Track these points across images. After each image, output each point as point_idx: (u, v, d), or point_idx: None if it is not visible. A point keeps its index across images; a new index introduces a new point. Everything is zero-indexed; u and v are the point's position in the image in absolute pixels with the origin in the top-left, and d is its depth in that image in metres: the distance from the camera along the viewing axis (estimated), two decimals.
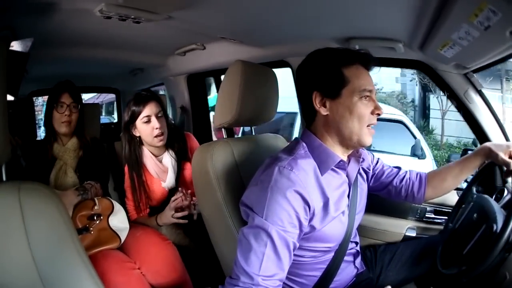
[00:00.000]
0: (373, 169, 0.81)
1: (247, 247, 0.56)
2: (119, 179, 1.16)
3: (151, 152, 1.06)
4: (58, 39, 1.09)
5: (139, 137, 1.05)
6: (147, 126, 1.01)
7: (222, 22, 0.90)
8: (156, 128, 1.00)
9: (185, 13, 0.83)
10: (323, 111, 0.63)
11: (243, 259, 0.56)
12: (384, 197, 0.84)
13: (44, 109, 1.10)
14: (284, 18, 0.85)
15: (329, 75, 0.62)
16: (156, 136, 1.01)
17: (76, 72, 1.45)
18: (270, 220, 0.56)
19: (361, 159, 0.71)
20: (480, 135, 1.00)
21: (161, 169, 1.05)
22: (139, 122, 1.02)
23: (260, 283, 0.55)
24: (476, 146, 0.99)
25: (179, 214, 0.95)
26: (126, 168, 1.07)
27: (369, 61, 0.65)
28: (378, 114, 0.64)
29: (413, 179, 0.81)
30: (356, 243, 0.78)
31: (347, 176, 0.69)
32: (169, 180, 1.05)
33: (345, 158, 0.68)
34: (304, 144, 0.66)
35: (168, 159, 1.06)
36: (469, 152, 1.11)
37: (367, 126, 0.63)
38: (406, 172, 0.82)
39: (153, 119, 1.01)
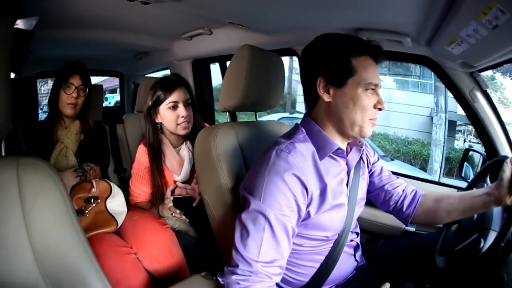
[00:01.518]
0: (372, 164, 0.79)
1: (245, 232, 0.56)
2: (119, 162, 1.15)
3: (170, 142, 1.01)
4: (63, 20, 1.08)
5: (160, 124, 0.99)
6: (173, 113, 0.95)
7: (231, 6, 0.89)
8: (182, 116, 0.95)
9: None
10: (326, 98, 0.62)
11: (241, 245, 0.55)
12: (372, 202, 0.81)
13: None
14: (294, 5, 0.84)
15: (336, 62, 0.61)
16: (179, 124, 0.95)
17: (79, 54, 1.41)
18: (267, 203, 0.56)
19: (362, 149, 0.69)
20: (483, 135, 1.02)
21: (178, 162, 1.00)
22: (163, 108, 0.95)
23: (259, 269, 0.54)
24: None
25: (178, 210, 0.93)
26: (137, 155, 1.02)
27: (379, 54, 0.63)
28: (380, 109, 0.63)
29: (407, 192, 0.77)
30: (357, 234, 0.77)
31: (347, 164, 0.68)
32: (184, 173, 1.00)
33: (343, 147, 0.67)
34: (303, 129, 0.65)
35: (186, 151, 1.01)
36: (471, 152, 1.15)
37: (370, 119, 0.62)
38: (403, 183, 0.79)
39: (181, 106, 0.95)
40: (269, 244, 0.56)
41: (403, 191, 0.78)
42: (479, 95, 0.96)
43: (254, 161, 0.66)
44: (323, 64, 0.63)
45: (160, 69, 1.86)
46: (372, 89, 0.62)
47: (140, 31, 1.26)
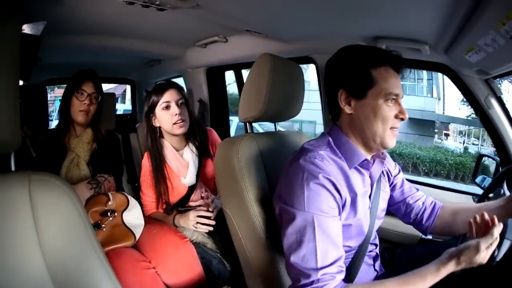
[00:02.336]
0: (394, 177, 0.79)
1: (297, 245, 0.56)
2: (133, 172, 1.13)
3: (172, 146, 1.01)
4: (72, 26, 1.06)
5: (159, 128, 1.00)
6: (167, 113, 0.97)
7: (250, 14, 0.88)
8: (176, 114, 0.96)
9: (213, 2, 0.80)
10: (347, 110, 0.63)
11: (297, 259, 0.55)
12: (393, 213, 0.81)
13: (56, 104, 1.09)
14: (312, 13, 0.83)
15: (356, 74, 0.62)
16: (175, 123, 0.96)
17: (90, 61, 1.39)
18: (313, 210, 0.56)
19: (385, 161, 0.69)
20: (497, 141, 1.03)
21: (182, 164, 1.00)
22: (158, 109, 0.98)
23: (319, 276, 0.54)
24: None
25: (203, 226, 0.91)
26: (143, 161, 1.02)
27: (399, 64, 0.63)
28: (402, 119, 0.63)
29: (427, 204, 0.78)
30: (376, 245, 0.77)
31: (370, 176, 0.68)
32: (190, 176, 1.00)
33: (369, 158, 0.67)
34: (331, 139, 0.66)
35: (189, 154, 1.02)
36: (485, 158, 1.17)
37: (390, 128, 0.62)
38: (423, 196, 0.80)
39: (173, 105, 0.97)
40: (325, 247, 0.56)
41: (423, 203, 0.79)
42: (493, 102, 0.98)
43: (283, 170, 0.65)
44: (343, 76, 0.64)
45: (172, 77, 1.83)
46: (393, 99, 0.62)
47: (153, 38, 1.24)
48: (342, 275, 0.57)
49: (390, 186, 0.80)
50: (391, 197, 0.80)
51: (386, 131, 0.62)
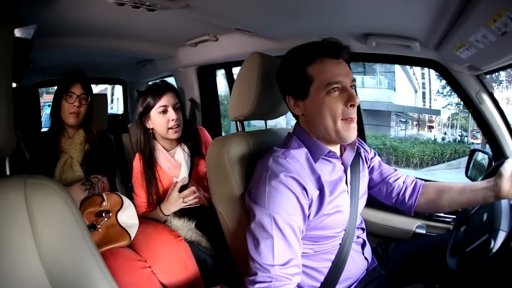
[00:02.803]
0: (370, 160, 0.81)
1: (256, 241, 0.58)
2: (126, 172, 1.13)
3: (163, 147, 1.02)
4: (64, 28, 1.05)
5: (152, 129, 1.00)
6: (163, 117, 0.96)
7: (239, 13, 0.88)
8: (173, 120, 0.96)
9: (202, 2, 0.80)
10: (298, 111, 0.66)
11: (256, 254, 0.57)
12: (375, 196, 0.82)
13: (45, 109, 1.09)
14: (302, 11, 0.84)
15: (294, 77, 0.64)
16: (170, 128, 0.97)
17: (82, 62, 1.39)
18: (272, 208, 0.58)
19: (356, 147, 0.71)
20: (490, 136, 1.04)
21: (173, 165, 1.01)
22: (154, 113, 0.97)
23: (277, 273, 0.55)
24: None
25: (186, 192, 0.91)
26: (134, 162, 1.02)
27: (335, 51, 0.62)
28: (353, 105, 0.61)
29: (407, 183, 0.79)
30: (363, 229, 0.79)
31: (343, 163, 0.71)
32: (182, 176, 1.00)
33: (336, 148, 0.69)
34: (296, 137, 0.69)
35: (181, 154, 1.02)
36: (477, 152, 1.18)
37: (342, 119, 0.61)
38: (402, 175, 0.81)
39: (170, 110, 0.96)
40: (281, 247, 0.57)
41: (403, 182, 0.80)
42: (485, 97, 0.98)
43: (254, 170, 0.67)
44: (285, 82, 0.67)
45: (163, 76, 1.83)
46: (336, 88, 0.61)
47: (144, 38, 1.23)
48: (299, 278, 0.59)
49: (368, 169, 0.81)
50: (371, 179, 0.82)
51: (337, 123, 0.62)
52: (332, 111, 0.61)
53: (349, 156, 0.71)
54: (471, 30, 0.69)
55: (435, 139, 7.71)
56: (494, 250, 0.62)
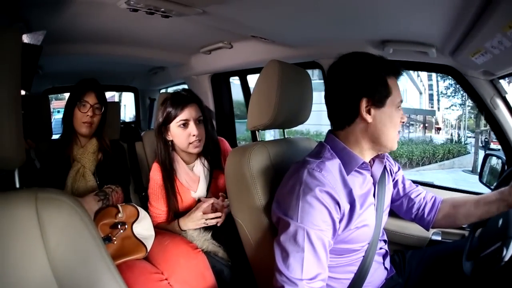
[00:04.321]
0: (395, 173, 0.81)
1: (286, 254, 0.57)
2: (139, 181, 1.10)
3: (182, 159, 0.97)
4: (74, 34, 1.03)
5: (172, 141, 0.95)
6: (183, 131, 0.91)
7: (256, 20, 0.86)
8: (194, 135, 0.90)
9: (220, 8, 0.78)
10: (369, 118, 0.63)
11: (283, 267, 0.56)
12: (395, 211, 0.82)
13: (54, 115, 1.05)
14: (319, 18, 0.83)
15: (377, 83, 0.63)
16: (191, 143, 0.91)
17: (92, 69, 1.36)
18: (305, 223, 0.57)
19: (384, 160, 0.71)
20: (503, 140, 1.03)
21: (192, 178, 0.96)
22: (173, 125, 0.91)
23: (305, 287, 0.55)
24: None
25: (211, 215, 0.88)
26: (151, 173, 0.98)
27: (399, 73, 0.67)
28: (403, 122, 0.68)
29: (427, 199, 0.79)
30: (385, 241, 0.78)
31: (372, 176, 0.70)
32: (200, 190, 0.96)
33: (368, 160, 0.69)
34: (329, 147, 0.67)
35: (200, 167, 0.97)
36: (491, 157, 1.17)
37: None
38: (423, 191, 0.82)
39: (192, 124, 0.90)
40: (311, 261, 0.57)
41: (423, 198, 0.80)
42: (499, 102, 0.98)
43: (282, 181, 0.66)
44: (365, 84, 0.64)
45: (176, 84, 1.81)
46: (399, 106, 0.66)
47: (157, 45, 1.21)
48: None
49: (392, 182, 0.81)
50: (395, 192, 0.82)
51: (396, 136, 0.66)
52: (396, 125, 0.66)
53: (378, 168, 0.71)
54: (487, 36, 0.69)
55: (431, 140, 7.80)
56: (506, 259, 0.61)
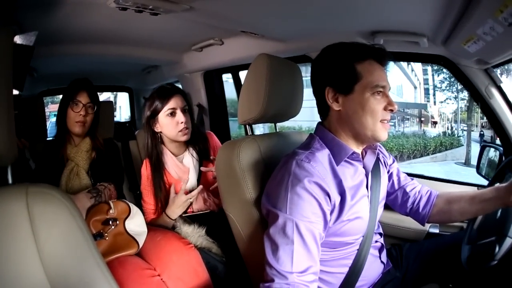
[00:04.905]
0: (389, 166, 0.79)
1: (275, 246, 0.56)
2: (134, 180, 1.11)
3: (171, 152, 0.99)
4: (67, 35, 1.04)
5: (160, 133, 0.98)
6: (171, 120, 0.94)
7: (245, 15, 0.86)
8: (181, 122, 0.94)
9: (207, 4, 0.78)
10: (336, 107, 0.63)
11: (273, 259, 0.55)
12: (389, 205, 0.81)
13: (51, 118, 1.07)
14: (308, 11, 0.82)
15: (341, 70, 0.62)
16: (180, 131, 0.94)
17: (86, 70, 1.36)
18: (294, 215, 0.56)
19: (377, 151, 0.70)
20: (500, 130, 1.01)
21: (181, 170, 0.98)
22: (162, 116, 0.95)
23: (295, 280, 0.54)
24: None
25: (194, 192, 0.91)
26: (142, 169, 1.00)
27: (383, 56, 0.64)
28: (391, 111, 0.63)
29: (422, 193, 0.78)
30: (381, 234, 0.77)
31: (364, 167, 0.69)
32: (191, 181, 0.98)
33: (359, 151, 0.68)
34: (318, 138, 0.67)
35: (189, 159, 1.00)
36: (488, 148, 1.15)
37: (381, 121, 0.63)
38: (418, 184, 0.80)
39: (179, 112, 0.94)
40: (301, 253, 0.55)
41: (418, 192, 0.79)
42: (494, 91, 0.96)
43: (273, 173, 0.65)
44: (329, 73, 0.64)
45: (169, 82, 1.83)
46: (380, 91, 0.62)
47: (149, 44, 1.21)
48: (316, 286, 0.57)
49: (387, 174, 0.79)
50: (390, 185, 0.80)
51: (377, 124, 0.63)
52: (373, 112, 0.62)
53: (370, 159, 0.69)
54: (478, 22, 0.68)
55: (424, 133, 7.74)
56: (498, 257, 0.60)
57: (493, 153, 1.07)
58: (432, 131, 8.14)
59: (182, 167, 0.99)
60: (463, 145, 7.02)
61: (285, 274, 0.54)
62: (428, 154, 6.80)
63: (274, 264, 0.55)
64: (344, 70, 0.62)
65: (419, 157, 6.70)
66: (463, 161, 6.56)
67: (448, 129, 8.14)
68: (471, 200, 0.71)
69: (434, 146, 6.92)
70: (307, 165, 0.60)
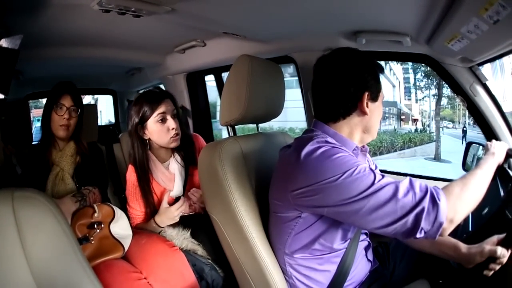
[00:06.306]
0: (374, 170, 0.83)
1: (378, 204, 0.55)
2: (118, 183, 1.10)
3: (157, 158, 0.96)
4: (51, 38, 1.03)
5: (148, 140, 0.95)
6: (162, 127, 0.91)
7: (225, 16, 0.86)
8: (173, 128, 0.91)
9: (188, 6, 0.78)
10: (368, 112, 0.66)
11: (399, 200, 0.54)
12: None
13: (35, 123, 1.05)
14: (290, 11, 0.82)
15: (375, 79, 0.67)
16: (172, 137, 0.91)
17: (71, 73, 1.37)
18: (349, 165, 0.57)
19: (367, 154, 0.73)
20: (486, 128, 1.01)
21: (167, 177, 0.96)
22: (151, 122, 0.91)
23: (429, 191, 0.55)
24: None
25: (184, 208, 0.89)
26: (127, 174, 0.98)
27: (383, 70, 0.71)
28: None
29: None
30: (366, 234, 0.77)
31: None
32: (177, 188, 0.96)
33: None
34: (321, 132, 0.67)
35: (175, 165, 0.97)
36: (473, 145, 1.14)
37: None
38: None
39: (169, 118, 0.91)
40: (398, 182, 0.57)
41: None
42: (479, 89, 0.95)
43: (287, 169, 0.63)
44: (369, 80, 0.66)
45: (153, 84, 1.81)
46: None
47: (132, 46, 1.21)
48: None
49: None
50: None
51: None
52: (380, 117, 0.71)
53: (362, 160, 0.71)
54: (462, 20, 0.68)
55: (395, 130, 7.89)
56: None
57: (478, 150, 1.06)
58: (409, 128, 8.28)
59: (168, 174, 0.98)
60: (434, 141, 7.19)
61: (423, 190, 0.56)
62: (395, 151, 6.96)
63: (398, 210, 0.54)
64: (376, 79, 0.67)
65: (386, 153, 6.85)
66: (433, 156, 6.70)
67: (422, 125, 8.28)
68: (432, 242, 0.73)
69: (402, 142, 7.06)
70: (323, 143, 0.62)
